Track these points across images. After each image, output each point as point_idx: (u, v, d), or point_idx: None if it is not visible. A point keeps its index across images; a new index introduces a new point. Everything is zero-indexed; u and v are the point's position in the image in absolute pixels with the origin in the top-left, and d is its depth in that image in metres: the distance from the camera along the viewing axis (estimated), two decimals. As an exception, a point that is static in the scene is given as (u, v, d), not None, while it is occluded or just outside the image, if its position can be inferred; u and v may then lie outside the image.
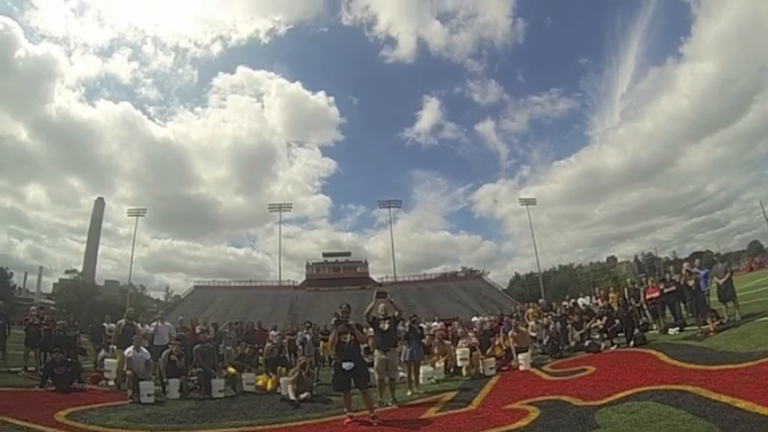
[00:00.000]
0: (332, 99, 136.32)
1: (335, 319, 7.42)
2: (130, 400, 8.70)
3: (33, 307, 13.66)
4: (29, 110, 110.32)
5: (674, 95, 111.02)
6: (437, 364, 11.36)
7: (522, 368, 10.77)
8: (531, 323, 14.35)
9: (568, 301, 17.68)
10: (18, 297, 53.48)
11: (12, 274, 59.00)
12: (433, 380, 10.49)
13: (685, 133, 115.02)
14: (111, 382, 10.62)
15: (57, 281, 72.90)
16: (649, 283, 14.25)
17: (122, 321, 11.34)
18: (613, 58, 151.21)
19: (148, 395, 8.82)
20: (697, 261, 13.81)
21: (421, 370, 10.24)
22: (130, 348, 9.79)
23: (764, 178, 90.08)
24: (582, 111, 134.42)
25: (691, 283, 11.31)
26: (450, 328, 15.35)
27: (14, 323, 13.31)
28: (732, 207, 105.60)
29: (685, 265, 12.43)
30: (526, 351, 11.46)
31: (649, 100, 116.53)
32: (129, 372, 9.35)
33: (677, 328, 11.99)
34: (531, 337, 12.92)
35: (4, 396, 8.62)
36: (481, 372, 10.79)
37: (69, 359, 10.58)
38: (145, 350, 10.05)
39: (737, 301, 11.62)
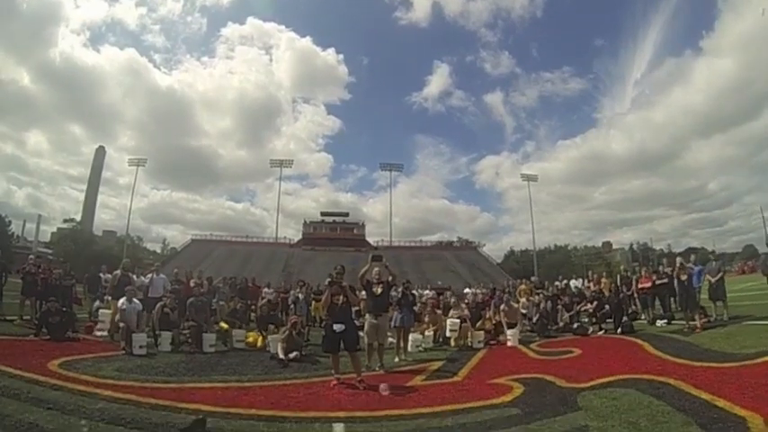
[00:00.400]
0: (341, 57, 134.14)
1: (329, 279, 7.46)
2: (123, 352, 8.83)
3: (31, 256, 13.70)
4: (32, 54, 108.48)
5: (688, 88, 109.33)
6: (426, 333, 11.52)
7: (509, 344, 10.97)
8: (523, 300, 14.52)
9: (561, 281, 17.86)
10: (16, 245, 53.40)
11: (10, 222, 58.98)
12: (421, 348, 10.66)
13: (695, 128, 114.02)
14: (105, 333, 10.76)
15: (55, 230, 73.18)
16: (642, 272, 14.39)
17: (118, 272, 11.43)
18: (631, 43, 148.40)
19: (140, 347, 8.94)
20: (692, 257, 13.88)
21: (410, 337, 10.39)
22: (123, 299, 9.86)
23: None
24: (593, 92, 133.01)
25: (683, 277, 11.39)
26: (441, 297, 15.54)
27: (12, 272, 13.37)
28: (732, 208, 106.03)
29: (679, 259, 12.52)
30: (515, 327, 11.64)
31: (662, 90, 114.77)
32: (121, 323, 9.45)
33: (665, 321, 12.16)
34: (522, 314, 13.10)
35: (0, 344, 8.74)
36: (469, 344, 10.98)
37: (64, 309, 10.65)
38: (137, 301, 10.11)
39: (727, 301, 11.73)
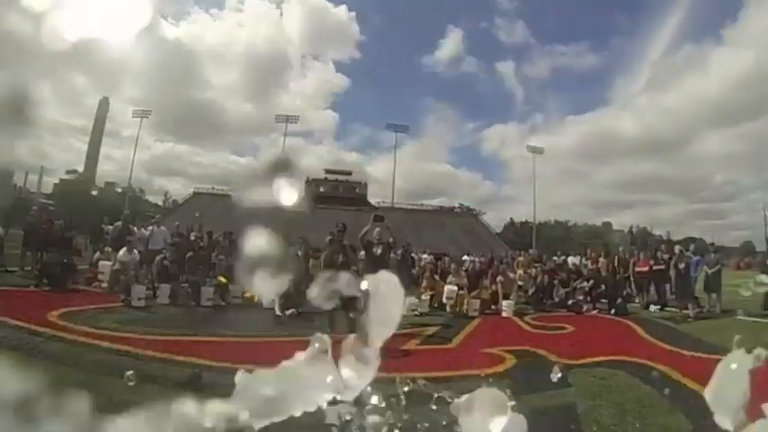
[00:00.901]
0: (353, 14, 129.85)
1: (330, 237, 7.48)
2: (121, 303, 8.93)
3: (35, 207, 13.63)
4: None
5: (704, 77, 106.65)
6: (423, 297, 11.66)
7: (504, 314, 11.13)
8: (520, 272, 14.64)
9: (559, 257, 17.93)
10: (18, 197, 53.31)
11: (12, 173, 58.33)
12: (416, 312, 10.82)
13: (707, 117, 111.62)
14: (105, 284, 10.80)
15: (57, 181, 72.67)
16: (641, 256, 14.44)
17: (119, 224, 11.43)
18: (650, 24, 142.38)
19: (139, 299, 9.07)
20: (692, 246, 13.93)
21: (406, 300, 10.47)
22: (123, 250, 9.89)
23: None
24: (606, 70, 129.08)
25: (681, 266, 11.45)
26: (440, 262, 15.63)
27: (14, 223, 13.37)
28: (735, 202, 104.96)
29: (678, 247, 12.55)
30: (510, 298, 11.80)
31: (678, 75, 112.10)
32: (122, 276, 9.53)
33: (658, 307, 12.30)
34: (518, 285, 13.24)
35: (0, 295, 8.83)
36: (465, 311, 11.13)
37: (65, 260, 10.67)
38: (136, 252, 10.14)
39: (721, 294, 11.82)
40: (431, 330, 8.78)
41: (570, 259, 18.83)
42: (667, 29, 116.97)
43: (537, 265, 15.69)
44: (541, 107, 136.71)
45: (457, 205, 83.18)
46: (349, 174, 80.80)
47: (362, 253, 8.97)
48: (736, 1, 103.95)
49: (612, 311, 11.49)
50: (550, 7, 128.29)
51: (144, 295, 9.25)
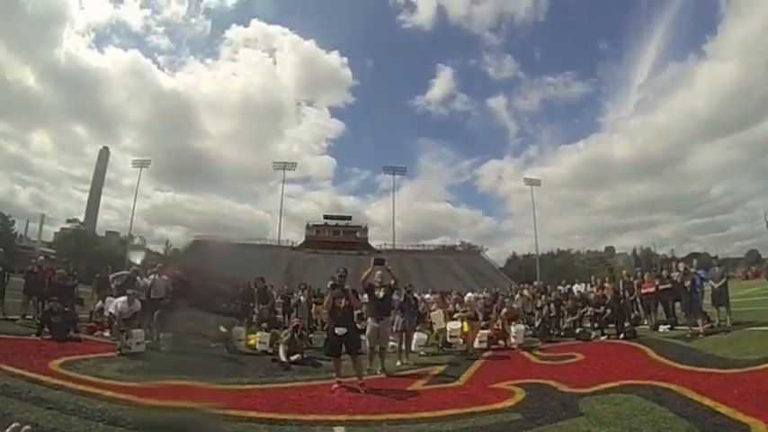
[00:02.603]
0: (345, 60, 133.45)
1: (332, 282, 7.48)
2: (118, 352, 8.82)
3: (41, 258, 13.64)
4: (37, 54, 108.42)
5: (691, 93, 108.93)
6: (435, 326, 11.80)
7: (513, 341, 11.11)
8: (517, 295, 14.59)
9: (564, 286, 17.79)
10: (19, 245, 53.74)
11: (14, 221, 59.30)
12: (422, 353, 10.65)
13: (699, 132, 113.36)
14: (107, 333, 10.66)
15: (58, 230, 73.08)
16: (645, 277, 14.33)
17: (128, 272, 11.44)
18: (634, 47, 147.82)
19: (138, 343, 9.02)
20: (694, 261, 13.84)
21: (415, 336, 10.44)
22: (123, 298, 9.82)
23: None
24: (596, 96, 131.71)
25: (687, 283, 11.35)
26: (447, 297, 15.48)
27: (15, 271, 13.37)
28: (735, 213, 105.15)
29: (682, 264, 12.46)
30: (516, 321, 11.80)
31: (666, 94, 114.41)
32: (115, 322, 9.44)
33: (668, 326, 12.13)
34: (524, 311, 13.18)
35: (1, 343, 8.77)
36: (471, 348, 10.93)
37: (66, 308, 10.63)
38: (137, 302, 10.08)
39: (730, 306, 11.67)
40: (437, 370, 8.62)
41: (575, 287, 18.69)
42: (651, 50, 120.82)
43: (542, 295, 15.58)
44: (535, 139, 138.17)
45: (458, 243, 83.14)
46: (349, 218, 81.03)
47: (365, 296, 8.93)
48: (713, 14, 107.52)
49: (621, 336, 11.29)
50: (535, 39, 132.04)
51: (143, 338, 9.20)
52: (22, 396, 5.46)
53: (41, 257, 13.30)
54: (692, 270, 12.03)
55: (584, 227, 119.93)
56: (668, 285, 12.67)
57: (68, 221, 72.52)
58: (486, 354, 10.52)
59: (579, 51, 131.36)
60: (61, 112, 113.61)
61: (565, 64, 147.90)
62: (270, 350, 9.90)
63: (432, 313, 12.52)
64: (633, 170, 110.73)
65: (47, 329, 9.70)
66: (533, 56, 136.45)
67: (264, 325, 10.96)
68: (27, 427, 1.20)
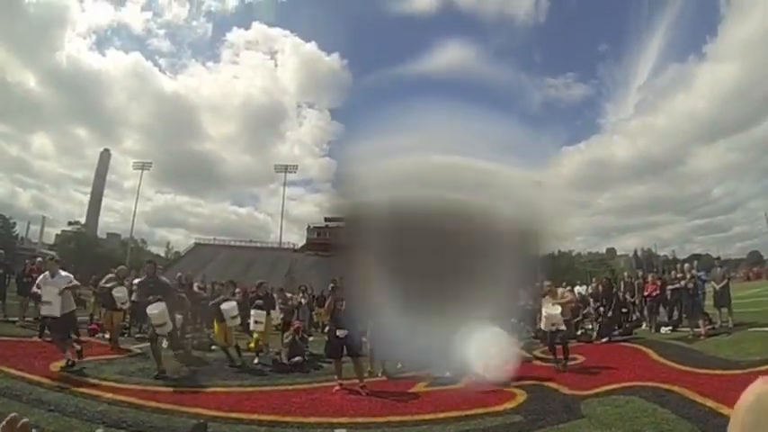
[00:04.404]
0: (346, 62, 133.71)
1: (332, 285, 7.47)
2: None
3: (39, 259, 13.61)
4: (38, 57, 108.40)
5: (691, 94, 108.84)
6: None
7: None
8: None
9: (565, 287, 17.72)
10: (20, 247, 53.35)
11: (15, 223, 59.30)
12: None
13: (699, 134, 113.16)
14: (107, 335, 10.62)
15: (59, 232, 73.12)
16: (649, 279, 14.29)
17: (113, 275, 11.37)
18: (635, 48, 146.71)
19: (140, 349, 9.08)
20: (695, 263, 13.82)
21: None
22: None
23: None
24: (596, 98, 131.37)
25: (690, 285, 11.31)
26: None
27: (15, 273, 13.34)
28: (736, 213, 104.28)
29: (687, 265, 12.43)
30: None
31: (666, 95, 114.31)
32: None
33: (669, 328, 12.09)
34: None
35: (2, 346, 8.78)
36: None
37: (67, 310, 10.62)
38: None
39: (732, 307, 11.64)
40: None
41: (577, 289, 18.63)
42: (651, 51, 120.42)
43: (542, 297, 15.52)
44: (536, 140, 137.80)
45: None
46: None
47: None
48: (714, 16, 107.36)
49: (621, 336, 11.29)
50: (536, 41, 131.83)
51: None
52: (23, 398, 5.47)
53: (39, 259, 13.22)
54: (693, 271, 11.99)
55: (586, 228, 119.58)
56: (677, 285, 12.56)
57: (70, 224, 72.46)
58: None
59: (579, 53, 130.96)
60: (62, 114, 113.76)
61: (565, 65, 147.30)
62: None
63: None
64: (634, 171, 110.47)
65: (48, 331, 9.67)
66: (533, 57, 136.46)
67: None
68: (25, 419, 1.19)
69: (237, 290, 11.45)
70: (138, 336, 11.22)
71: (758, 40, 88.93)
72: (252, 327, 9.95)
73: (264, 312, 9.94)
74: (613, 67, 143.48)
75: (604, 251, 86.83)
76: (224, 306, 9.05)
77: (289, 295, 15.09)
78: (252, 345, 10.62)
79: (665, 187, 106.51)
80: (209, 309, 10.54)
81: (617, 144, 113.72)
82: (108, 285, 10.38)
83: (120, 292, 10.12)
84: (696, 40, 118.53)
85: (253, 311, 9.92)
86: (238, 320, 9.62)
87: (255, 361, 9.22)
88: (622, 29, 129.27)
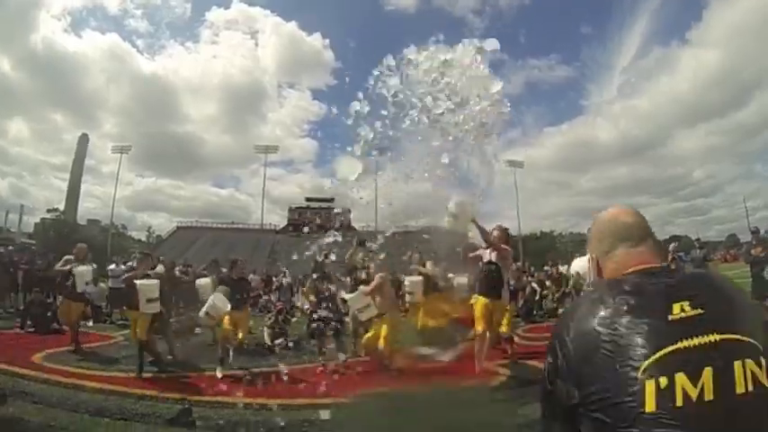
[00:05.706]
0: (327, 42, 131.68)
1: (314, 265, 7.42)
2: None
3: (10, 248, 13.32)
4: (12, 40, 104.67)
5: (674, 77, 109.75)
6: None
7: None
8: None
9: (550, 266, 17.90)
10: None
11: None
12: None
13: (681, 117, 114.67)
14: (90, 323, 10.55)
15: (38, 220, 71.68)
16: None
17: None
18: (618, 31, 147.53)
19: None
20: (672, 245, 14.04)
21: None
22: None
23: (753, 174, 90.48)
24: (580, 80, 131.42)
25: (673, 267, 11.46)
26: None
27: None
28: (716, 197, 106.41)
29: (671, 246, 12.64)
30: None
31: (649, 78, 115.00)
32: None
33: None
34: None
35: None
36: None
37: (48, 300, 10.46)
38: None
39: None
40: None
41: (561, 268, 18.83)
42: (635, 34, 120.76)
43: (525, 276, 15.67)
44: (518, 121, 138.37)
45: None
46: (331, 200, 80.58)
47: (348, 278, 8.87)
48: (699, 2, 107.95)
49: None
50: (520, 23, 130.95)
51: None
52: (6, 391, 5.37)
53: (10, 248, 12.95)
54: (674, 249, 12.18)
55: (568, 208, 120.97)
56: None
57: (48, 211, 70.83)
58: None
59: (563, 34, 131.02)
60: (39, 99, 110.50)
61: (549, 47, 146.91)
62: None
63: None
64: (617, 153, 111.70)
65: (29, 322, 9.53)
66: (518, 39, 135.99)
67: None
68: None
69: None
70: (119, 322, 11.04)
71: (742, 26, 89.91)
72: (203, 310, 7.15)
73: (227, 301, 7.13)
74: (597, 50, 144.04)
75: (586, 231, 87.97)
76: (140, 283, 6.80)
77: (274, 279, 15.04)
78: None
79: (647, 169, 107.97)
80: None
81: (599, 126, 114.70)
82: (66, 268, 8.13)
83: (82, 272, 7.98)
84: (680, 24, 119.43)
85: (213, 296, 7.20)
86: (157, 307, 6.97)
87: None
88: (606, 12, 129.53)
